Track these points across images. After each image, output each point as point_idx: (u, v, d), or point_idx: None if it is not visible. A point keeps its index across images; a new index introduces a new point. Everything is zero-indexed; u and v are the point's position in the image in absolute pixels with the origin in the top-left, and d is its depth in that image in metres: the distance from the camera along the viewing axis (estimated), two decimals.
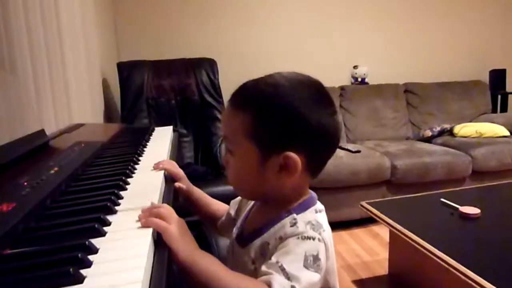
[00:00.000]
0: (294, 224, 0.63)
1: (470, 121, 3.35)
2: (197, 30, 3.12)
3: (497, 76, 3.65)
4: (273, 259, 0.57)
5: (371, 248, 2.36)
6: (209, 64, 2.77)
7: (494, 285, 1.21)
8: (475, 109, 3.51)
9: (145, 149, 1.10)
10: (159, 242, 0.55)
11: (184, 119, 2.71)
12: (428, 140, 3.12)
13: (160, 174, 0.83)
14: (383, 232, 2.45)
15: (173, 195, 0.80)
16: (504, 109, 3.69)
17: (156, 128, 1.45)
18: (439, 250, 1.43)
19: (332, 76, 3.35)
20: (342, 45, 3.47)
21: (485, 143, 2.87)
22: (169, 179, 0.85)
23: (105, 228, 0.55)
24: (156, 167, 0.86)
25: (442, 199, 1.89)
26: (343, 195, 2.53)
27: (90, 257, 0.47)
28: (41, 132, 0.97)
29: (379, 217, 1.80)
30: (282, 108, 0.62)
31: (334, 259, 0.65)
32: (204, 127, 2.68)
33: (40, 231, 0.55)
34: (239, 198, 0.85)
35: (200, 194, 0.92)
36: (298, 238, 0.59)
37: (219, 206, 0.92)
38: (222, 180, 2.21)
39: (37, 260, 0.47)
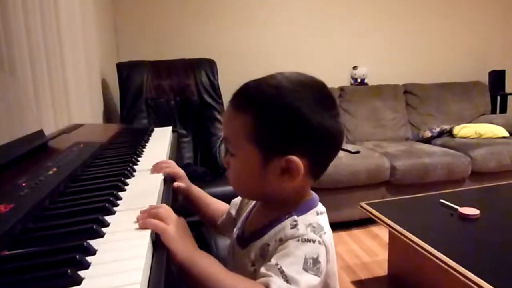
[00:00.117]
0: (294, 226, 0.62)
1: (470, 122, 3.35)
2: (196, 30, 3.12)
3: (497, 77, 3.65)
4: (273, 261, 0.57)
5: (371, 248, 2.36)
6: (209, 65, 2.77)
7: (493, 286, 1.21)
8: (475, 110, 3.51)
9: (144, 149, 1.09)
10: (158, 243, 0.54)
11: (184, 120, 2.71)
12: (428, 141, 3.12)
13: (159, 174, 0.83)
14: (382, 233, 2.45)
15: (172, 196, 0.80)
16: (503, 110, 3.69)
17: (155, 129, 1.45)
18: (438, 251, 1.43)
19: (332, 77, 3.34)
20: (341, 45, 3.47)
21: (485, 144, 2.87)
22: (168, 179, 0.85)
23: (104, 229, 0.55)
24: (155, 169, 0.86)
25: (442, 200, 1.89)
26: (343, 195, 2.53)
27: (88, 259, 0.47)
28: (40, 132, 0.96)
29: (378, 218, 1.80)
30: (284, 111, 0.61)
31: (335, 262, 0.64)
32: (204, 128, 2.68)
33: (38, 232, 0.55)
34: (239, 198, 0.85)
35: (199, 193, 0.92)
36: (298, 240, 0.59)
37: (219, 205, 0.92)
38: (221, 180, 2.20)
39: (35, 261, 0.47)
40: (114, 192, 0.68)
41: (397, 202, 2.08)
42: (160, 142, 1.21)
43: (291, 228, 0.62)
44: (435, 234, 1.63)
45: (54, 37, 1.43)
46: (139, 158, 0.98)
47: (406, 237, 1.58)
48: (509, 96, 3.71)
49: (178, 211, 0.62)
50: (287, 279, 0.54)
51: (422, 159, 2.67)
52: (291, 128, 0.61)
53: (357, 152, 2.66)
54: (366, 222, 2.56)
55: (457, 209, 1.78)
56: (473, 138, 3.03)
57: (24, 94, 1.08)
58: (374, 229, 2.58)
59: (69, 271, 0.42)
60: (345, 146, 2.79)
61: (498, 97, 3.69)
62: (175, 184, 0.86)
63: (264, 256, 0.63)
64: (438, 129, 3.17)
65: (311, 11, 3.34)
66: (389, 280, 2.02)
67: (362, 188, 2.57)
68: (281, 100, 0.61)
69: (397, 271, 2.00)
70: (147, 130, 1.37)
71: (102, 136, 1.28)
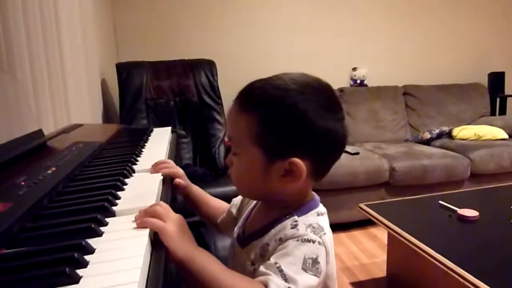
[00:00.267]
0: (294, 226, 0.62)
1: (469, 124, 3.35)
2: (196, 31, 3.12)
3: (496, 79, 3.65)
4: (272, 260, 0.57)
5: (370, 250, 2.36)
6: (208, 66, 2.77)
7: (492, 287, 1.20)
8: (474, 112, 3.51)
9: (143, 149, 1.09)
10: (156, 242, 0.54)
11: (183, 120, 2.71)
12: (427, 142, 3.13)
13: (158, 174, 0.83)
14: (381, 234, 2.45)
15: (171, 195, 0.80)
16: (502, 111, 3.70)
17: (155, 129, 1.45)
18: (437, 252, 1.43)
19: (331, 78, 3.25)
20: (341, 47, 3.47)
21: (484, 145, 2.87)
22: (167, 179, 0.85)
23: (102, 228, 0.55)
24: (154, 169, 0.86)
25: (441, 202, 1.89)
26: (342, 197, 2.53)
27: (87, 257, 0.46)
28: (39, 132, 0.96)
29: (377, 219, 1.80)
30: (289, 113, 0.61)
31: (334, 264, 0.64)
32: (203, 129, 2.68)
33: (36, 231, 0.55)
34: (240, 197, 0.85)
35: (199, 192, 0.92)
36: (298, 240, 0.59)
37: (219, 204, 0.92)
38: (221, 181, 2.21)
39: (33, 260, 0.47)
40: (113, 192, 0.68)
41: (396, 203, 2.08)
42: (159, 142, 1.21)
43: (291, 228, 0.62)
44: (434, 235, 1.63)
45: (54, 37, 1.43)
46: (138, 158, 0.98)
47: (405, 238, 1.58)
48: (508, 98, 3.72)
49: (178, 210, 0.62)
50: (285, 279, 0.54)
51: (421, 160, 2.67)
52: (296, 131, 0.61)
53: (357, 153, 2.66)
54: (365, 223, 2.56)
55: (456, 211, 1.78)
56: (472, 140, 3.03)
57: (24, 94, 1.08)
58: (373, 230, 2.58)
59: (67, 269, 0.42)
60: (345, 147, 2.79)
61: (498, 99, 3.70)
62: (176, 180, 0.86)
63: (264, 255, 0.63)
64: (437, 131, 3.17)
65: (310, 12, 3.35)
66: (388, 282, 2.02)
67: (361, 190, 2.57)
68: (287, 103, 0.61)
69: (396, 273, 2.00)
70: (146, 130, 1.37)
71: (101, 136, 1.28)
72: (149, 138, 1.28)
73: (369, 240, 2.49)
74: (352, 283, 2.02)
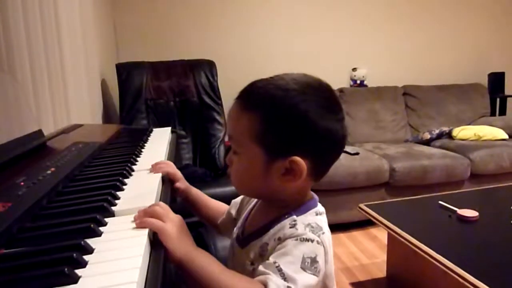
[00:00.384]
0: (293, 225, 0.63)
1: (469, 124, 3.35)
2: (196, 31, 3.12)
3: (496, 79, 3.65)
4: (271, 259, 0.57)
5: (369, 250, 2.36)
6: (208, 66, 2.77)
7: None
8: (474, 112, 3.51)
9: (142, 150, 1.09)
10: (155, 242, 0.54)
11: (183, 121, 2.71)
12: (427, 142, 3.12)
13: (158, 174, 0.83)
14: (381, 234, 2.45)
15: (171, 196, 0.80)
16: (502, 112, 3.70)
17: (154, 129, 1.45)
18: (437, 253, 1.43)
19: (331, 78, 3.24)
20: (341, 47, 3.47)
21: (484, 146, 2.87)
22: (167, 179, 0.85)
23: (101, 228, 0.55)
24: (154, 170, 0.86)
25: (440, 202, 1.89)
26: (342, 197, 2.53)
27: (86, 257, 0.47)
28: (39, 132, 0.96)
29: (377, 220, 1.80)
30: (291, 113, 0.61)
31: (332, 263, 0.64)
32: (203, 129, 2.68)
33: (35, 231, 0.55)
34: (240, 198, 0.85)
35: (198, 194, 0.92)
36: (297, 239, 0.59)
37: (218, 206, 0.92)
38: (221, 181, 2.20)
39: (32, 260, 0.47)
40: (112, 192, 0.68)
41: (396, 204, 2.08)
42: (159, 143, 1.21)
43: (290, 227, 0.62)
44: (434, 236, 1.62)
45: (54, 37, 1.43)
46: (138, 158, 0.98)
47: (405, 239, 1.58)
48: (508, 98, 3.72)
49: (177, 212, 0.62)
50: (284, 277, 0.54)
51: (421, 161, 2.67)
52: (297, 130, 0.62)
53: (357, 153, 2.66)
54: (365, 223, 2.56)
55: (456, 211, 1.78)
56: (472, 140, 3.03)
57: (23, 94, 1.08)
58: (373, 230, 2.58)
59: (66, 269, 0.42)
60: (344, 147, 2.79)
61: (498, 99, 3.70)
62: (176, 184, 0.86)
63: (263, 255, 0.64)
64: (437, 131, 3.17)
65: (310, 12, 3.35)
66: (388, 282, 2.02)
67: (361, 190, 2.57)
68: (288, 103, 0.62)
69: (396, 273, 2.00)
70: (146, 131, 1.37)
71: (101, 136, 1.28)
72: (149, 138, 1.28)
73: (369, 241, 2.49)
74: (352, 284, 2.02)
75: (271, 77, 0.66)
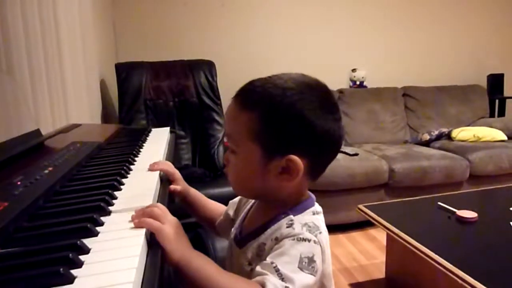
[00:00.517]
0: (290, 225, 0.63)
1: (468, 125, 3.35)
2: (195, 31, 3.12)
3: (495, 80, 3.66)
4: (268, 259, 0.57)
5: (368, 251, 2.36)
6: (208, 66, 2.77)
7: None
8: (473, 113, 3.51)
9: (141, 150, 1.09)
10: (152, 243, 0.54)
11: (182, 121, 2.70)
12: (426, 144, 3.12)
13: (155, 174, 0.83)
14: (380, 235, 2.44)
15: (169, 196, 0.79)
16: (501, 113, 3.70)
17: (153, 129, 1.44)
18: (436, 253, 1.43)
19: (331, 79, 3.28)
20: (340, 48, 3.47)
21: (483, 147, 2.87)
22: (165, 179, 0.85)
23: (98, 228, 0.54)
24: (152, 168, 0.86)
25: (439, 203, 1.89)
26: (341, 198, 2.53)
27: (82, 257, 0.46)
28: (37, 131, 0.96)
29: (376, 220, 1.79)
30: (289, 112, 0.62)
31: (330, 263, 0.64)
32: (202, 129, 2.67)
33: (32, 230, 0.55)
34: (237, 198, 0.85)
35: (196, 195, 0.91)
36: (294, 239, 0.59)
37: (216, 207, 0.92)
38: (220, 182, 2.20)
39: (27, 259, 0.47)
40: (110, 192, 0.68)
41: (395, 204, 2.08)
42: (157, 142, 1.21)
43: (287, 227, 0.62)
44: (433, 237, 1.62)
45: (52, 36, 1.43)
46: (136, 158, 0.98)
47: (404, 239, 1.58)
48: (507, 100, 3.72)
49: (175, 212, 0.62)
50: (282, 278, 0.54)
51: (420, 162, 2.67)
52: (294, 129, 0.62)
53: (356, 154, 2.66)
54: (364, 224, 2.55)
55: (455, 212, 1.78)
56: (471, 141, 3.03)
57: (22, 94, 1.07)
58: (372, 231, 2.58)
59: (61, 269, 0.42)
60: (344, 148, 2.79)
61: (497, 101, 3.70)
62: (171, 187, 0.86)
63: (261, 255, 0.63)
64: (436, 132, 3.17)
65: (310, 13, 3.35)
66: (387, 283, 2.02)
67: (360, 191, 2.56)
68: (286, 102, 0.62)
69: (395, 274, 1.99)
70: (144, 131, 1.37)
71: (99, 136, 1.28)
72: (147, 138, 1.28)
73: (368, 242, 2.48)
74: (351, 284, 2.02)
75: (269, 77, 0.67)
